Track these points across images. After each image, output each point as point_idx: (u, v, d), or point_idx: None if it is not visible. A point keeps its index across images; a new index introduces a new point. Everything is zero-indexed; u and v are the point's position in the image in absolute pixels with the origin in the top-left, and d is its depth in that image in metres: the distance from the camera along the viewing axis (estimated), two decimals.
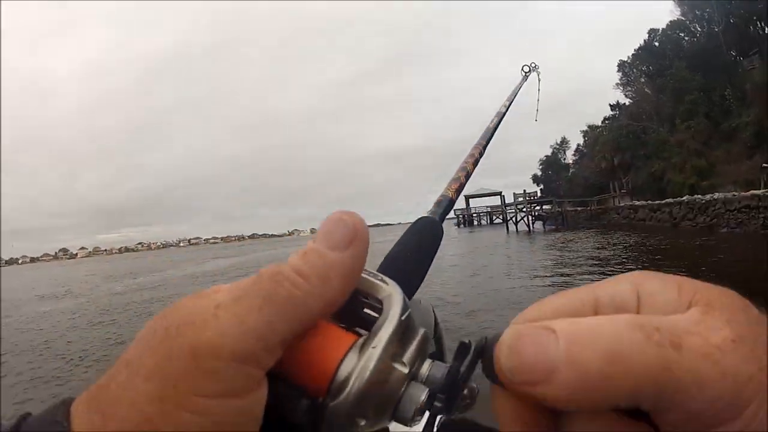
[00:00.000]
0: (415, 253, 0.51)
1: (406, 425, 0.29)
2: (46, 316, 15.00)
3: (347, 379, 0.27)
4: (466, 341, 0.29)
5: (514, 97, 1.13)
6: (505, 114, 1.05)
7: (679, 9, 37.88)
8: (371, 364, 0.27)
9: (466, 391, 0.29)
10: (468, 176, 0.76)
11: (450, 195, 0.66)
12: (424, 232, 0.55)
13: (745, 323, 0.23)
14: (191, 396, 0.24)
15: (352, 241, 0.29)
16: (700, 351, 0.21)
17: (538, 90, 1.62)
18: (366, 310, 0.31)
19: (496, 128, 0.96)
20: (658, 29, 40.75)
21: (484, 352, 0.28)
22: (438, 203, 0.64)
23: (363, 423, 0.28)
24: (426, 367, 0.30)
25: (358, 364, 0.28)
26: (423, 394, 0.29)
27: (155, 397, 0.24)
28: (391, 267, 0.48)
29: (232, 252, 64.46)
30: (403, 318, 0.30)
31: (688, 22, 37.73)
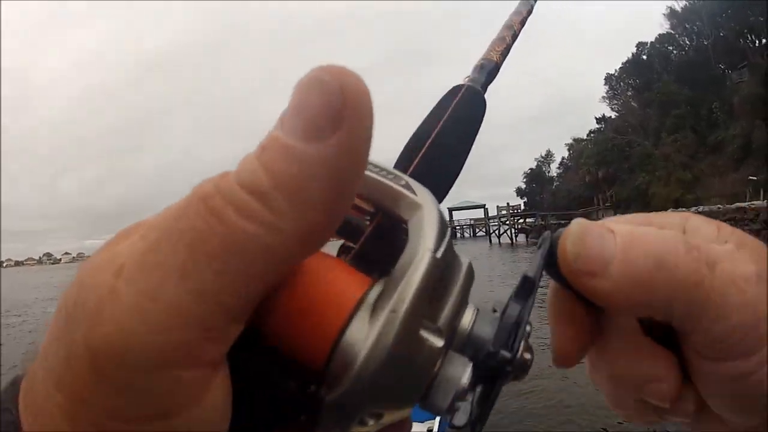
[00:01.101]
0: (450, 138, 0.35)
1: (439, 415, 0.22)
2: None
3: (353, 358, 0.16)
4: (530, 274, 0.23)
5: None
6: None
7: (668, 22, 38.21)
8: (389, 338, 0.17)
9: (520, 354, 0.20)
10: (515, 37, 0.52)
11: (494, 59, 0.48)
12: (463, 107, 0.38)
13: None
14: (104, 419, 0.15)
15: (342, 119, 0.15)
16: (730, 277, 0.23)
17: None
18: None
19: None
20: (647, 42, 41.11)
21: (552, 247, 0.24)
22: (479, 68, 0.44)
23: (372, 422, 0.18)
24: (467, 321, 0.20)
25: (369, 335, 0.17)
26: (465, 374, 0.19)
27: (67, 414, 0.15)
28: (417, 159, 0.32)
29: None
30: (439, 255, 0.18)
31: (677, 35, 38.04)
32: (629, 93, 43.99)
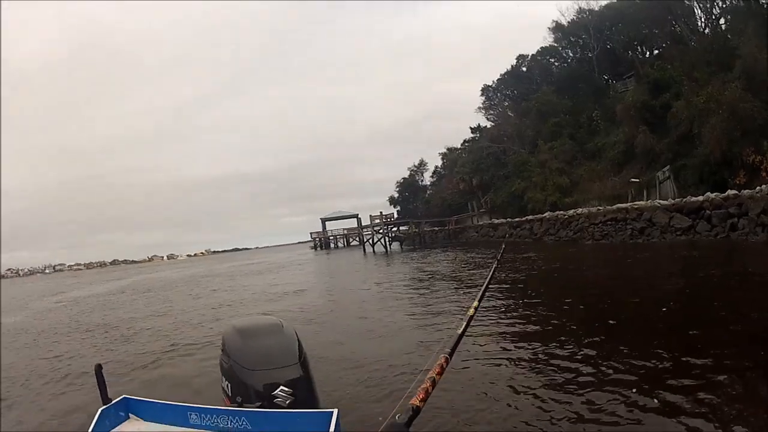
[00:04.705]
0: None
1: None
2: None
3: None
4: None
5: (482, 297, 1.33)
6: (468, 323, 1.20)
7: (553, 36, 40.64)
8: None
9: None
10: (434, 384, 0.87)
11: (416, 404, 0.78)
12: None
13: None
14: None
15: None
16: None
17: None
18: None
19: (460, 339, 1.09)
20: (528, 55, 43.38)
21: None
22: (405, 411, 0.76)
23: None
24: None
25: None
26: None
27: None
28: None
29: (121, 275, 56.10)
30: None
31: (560, 48, 40.63)
32: (506, 103, 46.11)
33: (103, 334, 10.58)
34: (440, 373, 0.89)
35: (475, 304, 1.36)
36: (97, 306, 17.88)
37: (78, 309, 17.62)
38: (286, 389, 1.36)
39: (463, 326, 1.13)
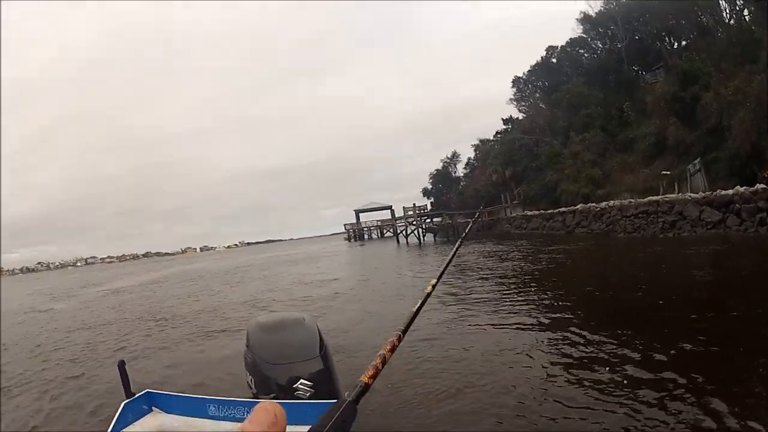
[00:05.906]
0: None
1: None
2: None
3: None
4: None
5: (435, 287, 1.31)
6: (424, 302, 1.19)
7: (581, 27, 40.21)
8: None
9: None
10: (384, 362, 0.89)
11: (365, 380, 0.79)
12: (341, 418, 0.67)
13: None
14: None
15: (274, 424, 0.51)
16: None
17: None
18: None
19: (414, 317, 1.08)
20: (557, 46, 42.97)
21: None
22: (354, 387, 0.77)
23: None
24: None
25: None
26: None
27: None
28: None
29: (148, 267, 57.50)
30: None
31: (589, 39, 40.11)
32: (537, 95, 45.80)
33: (143, 323, 10.86)
34: (391, 351, 0.89)
35: (433, 282, 1.34)
36: (139, 297, 18.00)
37: (119, 299, 18.13)
38: (306, 382, 1.41)
39: (418, 304, 1.11)
